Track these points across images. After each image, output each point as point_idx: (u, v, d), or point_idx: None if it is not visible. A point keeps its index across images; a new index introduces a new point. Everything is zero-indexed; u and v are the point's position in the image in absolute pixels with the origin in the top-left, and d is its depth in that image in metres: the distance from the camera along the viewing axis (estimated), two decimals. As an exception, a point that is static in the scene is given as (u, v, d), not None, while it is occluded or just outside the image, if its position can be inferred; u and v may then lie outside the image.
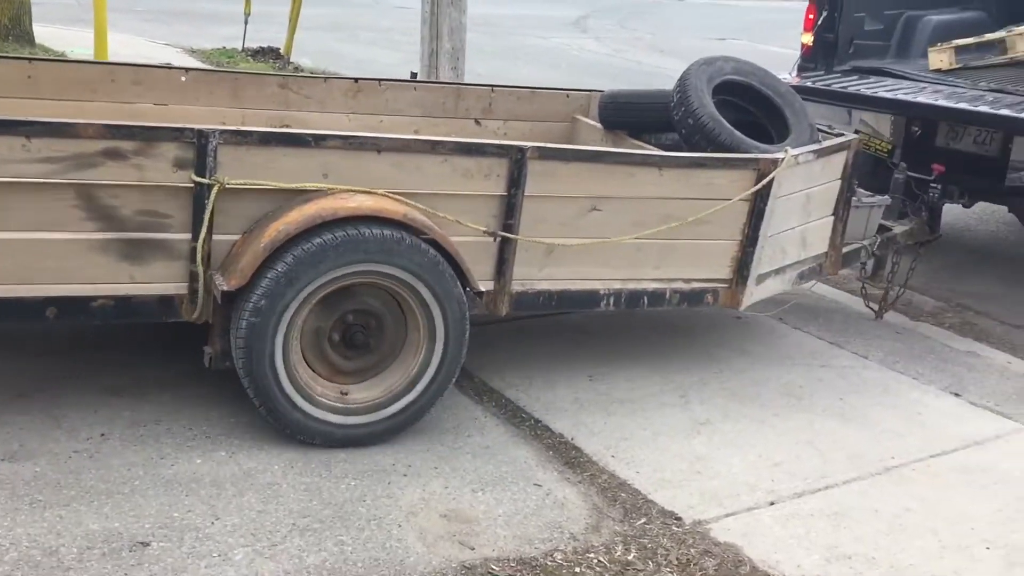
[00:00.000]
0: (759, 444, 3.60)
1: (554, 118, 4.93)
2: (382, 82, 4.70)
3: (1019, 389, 4.22)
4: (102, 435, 3.29)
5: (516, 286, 3.58)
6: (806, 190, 4.10)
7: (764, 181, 3.78)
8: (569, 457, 3.44)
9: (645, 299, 3.83)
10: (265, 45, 10.98)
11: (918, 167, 4.97)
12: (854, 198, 4.48)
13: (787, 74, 5.52)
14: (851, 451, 3.59)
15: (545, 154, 3.49)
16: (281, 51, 10.90)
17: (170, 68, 4.52)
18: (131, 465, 3.14)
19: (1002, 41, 5.65)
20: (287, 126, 4.22)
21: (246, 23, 10.68)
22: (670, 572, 2.84)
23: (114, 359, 3.76)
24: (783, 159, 3.81)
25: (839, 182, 4.31)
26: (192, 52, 10.88)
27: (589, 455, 3.46)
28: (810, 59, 5.69)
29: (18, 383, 3.51)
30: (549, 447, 3.50)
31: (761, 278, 4.03)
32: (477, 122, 4.80)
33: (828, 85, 5.41)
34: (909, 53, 5.89)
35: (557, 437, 3.57)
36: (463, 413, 3.69)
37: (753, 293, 4.00)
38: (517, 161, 3.42)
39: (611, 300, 3.76)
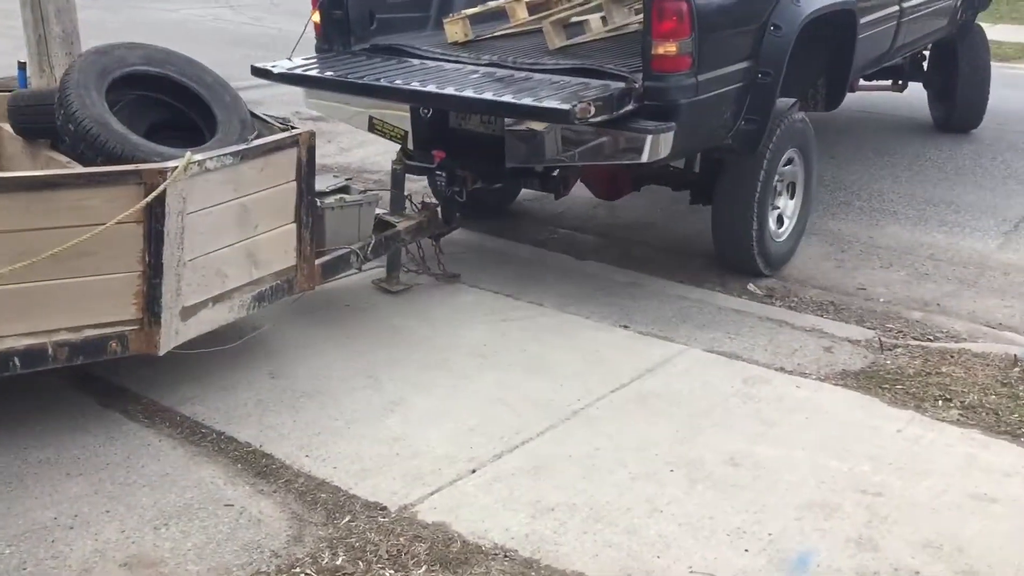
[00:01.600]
0: (453, 412, 3.57)
1: None
2: None
3: (677, 311, 4.55)
4: None
5: None
6: (239, 199, 3.54)
7: (149, 197, 3.16)
8: (260, 466, 3.21)
9: (15, 362, 3.08)
10: None
11: (439, 148, 4.64)
12: (334, 198, 4.11)
13: (286, 59, 4.86)
14: (540, 401, 3.67)
15: None
16: None
17: None
18: None
19: (503, 9, 5.16)
20: None
21: None
22: (382, 568, 2.73)
23: None
24: (175, 168, 3.21)
25: (294, 184, 3.76)
26: None
27: (281, 460, 3.24)
28: (324, 40, 5.06)
29: None
30: (236, 460, 3.24)
31: (190, 311, 3.44)
32: None
33: (292, 70, 4.74)
34: None
35: (244, 447, 3.31)
36: (132, 441, 3.33)
37: (180, 331, 3.42)
38: None
39: None
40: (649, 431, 3.48)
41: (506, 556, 2.80)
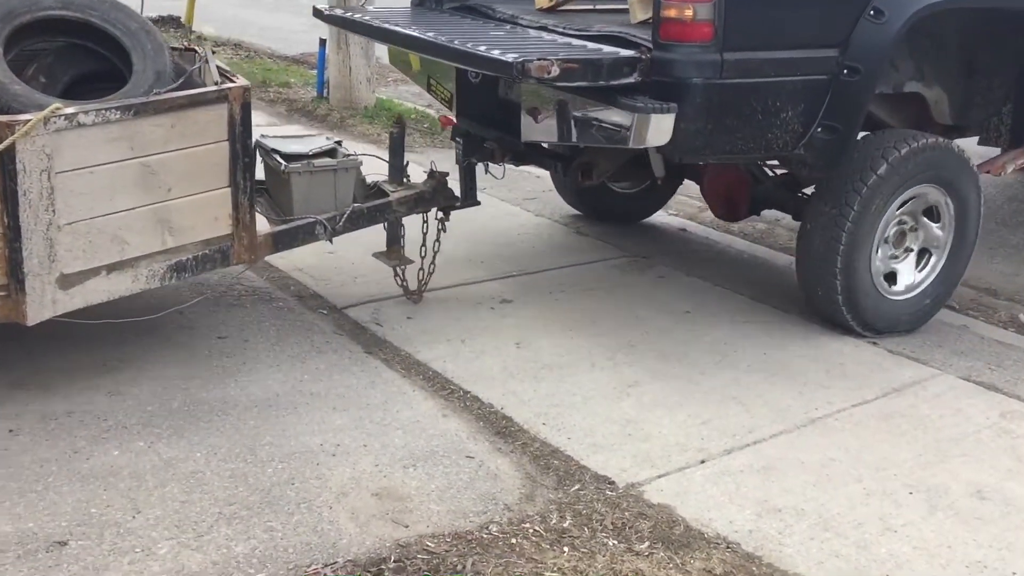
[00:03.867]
0: (688, 403, 3.62)
1: None
2: None
3: (933, 334, 4.33)
4: (10, 431, 3.14)
5: None
6: (138, 159, 3.25)
7: None
8: (500, 427, 3.41)
9: None
10: (165, 14, 10.59)
11: (481, 117, 4.37)
12: (302, 162, 3.81)
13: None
14: (777, 405, 3.64)
15: None
16: (182, 20, 10.53)
17: None
18: (43, 461, 3.00)
19: None
20: None
21: (143, -9, 10.25)
22: (606, 537, 2.84)
23: (12, 351, 3.58)
24: (28, 121, 2.94)
25: (225, 144, 3.44)
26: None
27: (520, 424, 3.43)
28: None
29: (-86, 382, 3.32)
30: (479, 418, 3.46)
31: (72, 279, 3.18)
32: None
33: (342, 14, 4.80)
34: None
35: (487, 407, 3.53)
36: (391, 387, 3.63)
37: (59, 300, 3.16)
38: None
39: None
40: (890, 450, 3.37)
41: (728, 547, 2.83)
